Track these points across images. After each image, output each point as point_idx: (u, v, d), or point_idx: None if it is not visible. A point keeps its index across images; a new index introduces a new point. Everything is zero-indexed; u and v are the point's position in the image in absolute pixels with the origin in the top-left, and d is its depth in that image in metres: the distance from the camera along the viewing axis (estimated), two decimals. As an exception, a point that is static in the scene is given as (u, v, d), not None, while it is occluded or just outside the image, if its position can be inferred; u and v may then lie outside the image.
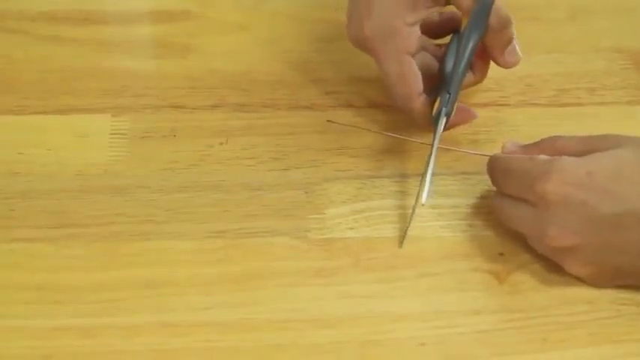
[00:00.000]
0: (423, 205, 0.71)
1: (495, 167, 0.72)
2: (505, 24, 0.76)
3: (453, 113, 0.75)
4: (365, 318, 0.68)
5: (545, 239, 0.67)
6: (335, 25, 0.88)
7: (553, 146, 0.71)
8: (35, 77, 0.84)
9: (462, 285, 0.70)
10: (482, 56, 0.78)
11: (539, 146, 0.72)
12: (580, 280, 0.69)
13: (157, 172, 0.76)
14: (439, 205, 0.74)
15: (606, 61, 0.87)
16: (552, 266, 0.70)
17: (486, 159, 0.73)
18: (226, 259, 0.71)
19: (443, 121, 0.74)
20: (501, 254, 0.71)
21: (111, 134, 0.79)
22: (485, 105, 0.82)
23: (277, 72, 0.85)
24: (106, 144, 0.78)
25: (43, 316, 0.67)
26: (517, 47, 0.78)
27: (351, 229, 0.73)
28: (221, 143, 0.79)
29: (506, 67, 0.78)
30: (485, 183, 0.75)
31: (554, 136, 0.72)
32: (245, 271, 0.70)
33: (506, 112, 0.82)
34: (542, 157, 0.69)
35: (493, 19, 0.75)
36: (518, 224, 0.70)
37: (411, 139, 0.78)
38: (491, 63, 0.79)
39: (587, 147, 0.69)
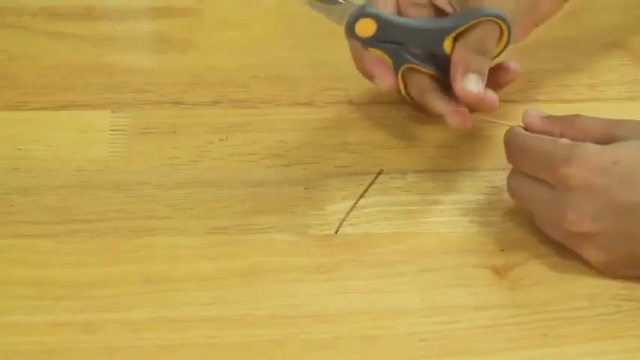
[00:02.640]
0: None
1: (513, 143, 0.70)
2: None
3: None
4: (365, 313, 0.67)
5: (563, 223, 0.67)
6: (335, 21, 0.88)
7: (573, 125, 0.70)
8: (35, 73, 0.84)
9: (462, 280, 0.69)
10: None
11: (559, 122, 0.70)
12: (581, 276, 0.69)
13: (157, 168, 0.76)
14: (440, 201, 0.74)
15: (607, 57, 0.87)
16: (553, 262, 0.69)
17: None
18: (227, 255, 0.71)
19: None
20: (502, 250, 0.71)
21: (111, 130, 0.79)
22: (485, 101, 0.82)
23: (277, 68, 0.85)
24: (106, 140, 0.78)
25: (43, 312, 0.67)
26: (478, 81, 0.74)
27: (352, 225, 0.73)
28: (221, 139, 0.79)
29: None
30: (485, 179, 0.75)
31: (575, 115, 0.71)
32: (245, 267, 0.70)
33: (507, 108, 0.82)
34: (565, 140, 0.68)
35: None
36: (533, 205, 0.69)
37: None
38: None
39: (608, 131, 0.68)
